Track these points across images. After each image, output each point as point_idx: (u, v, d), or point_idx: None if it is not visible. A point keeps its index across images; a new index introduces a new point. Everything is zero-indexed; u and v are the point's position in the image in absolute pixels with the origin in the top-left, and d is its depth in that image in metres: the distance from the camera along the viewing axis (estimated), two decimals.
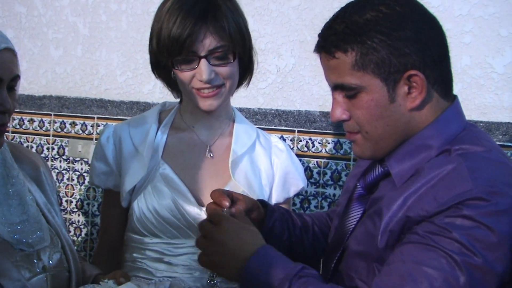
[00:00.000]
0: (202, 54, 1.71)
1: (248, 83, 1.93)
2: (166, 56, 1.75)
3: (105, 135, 1.92)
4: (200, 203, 1.82)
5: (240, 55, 1.79)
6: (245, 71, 1.88)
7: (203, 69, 1.70)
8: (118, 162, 1.89)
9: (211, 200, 1.65)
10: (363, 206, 1.54)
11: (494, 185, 1.28)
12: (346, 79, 1.40)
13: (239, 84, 1.89)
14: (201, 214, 1.79)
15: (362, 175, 1.60)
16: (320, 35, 1.46)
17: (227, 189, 1.80)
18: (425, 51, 1.38)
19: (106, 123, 2.82)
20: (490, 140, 1.47)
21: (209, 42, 1.71)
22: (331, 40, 1.41)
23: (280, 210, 1.76)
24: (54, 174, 3.05)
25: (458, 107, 1.49)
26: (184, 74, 1.74)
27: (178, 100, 1.95)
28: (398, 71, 1.37)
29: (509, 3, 2.39)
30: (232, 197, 1.60)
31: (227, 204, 1.54)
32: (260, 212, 1.69)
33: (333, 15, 1.46)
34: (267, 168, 1.93)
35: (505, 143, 2.37)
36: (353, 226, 1.54)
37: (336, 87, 1.45)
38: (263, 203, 1.74)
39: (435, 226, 1.28)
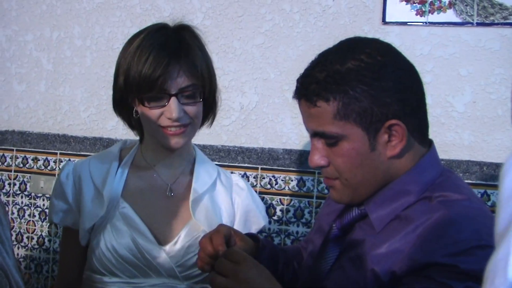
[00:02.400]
0: (173, 92, 1.70)
1: (211, 122, 1.94)
2: (135, 93, 1.73)
3: (64, 173, 1.90)
4: (159, 242, 1.80)
5: (205, 95, 1.79)
6: (209, 111, 1.88)
7: (173, 107, 1.70)
8: (77, 200, 1.86)
9: (172, 240, 1.63)
10: (338, 248, 1.53)
11: (482, 237, 1.27)
12: (328, 128, 1.39)
13: (202, 124, 1.89)
14: (161, 253, 1.78)
15: (338, 216, 1.59)
16: (299, 82, 1.46)
17: (187, 228, 1.79)
18: (405, 100, 1.38)
19: (69, 159, 2.81)
20: (467, 186, 1.47)
21: (181, 81, 1.70)
22: (312, 88, 1.40)
23: (269, 246, 1.73)
24: (15, 210, 3.01)
25: (435, 153, 1.50)
26: (152, 112, 1.73)
27: (137, 138, 1.94)
28: (379, 121, 1.37)
29: (468, 43, 2.44)
30: (230, 240, 1.57)
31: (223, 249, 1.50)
32: (253, 250, 1.65)
33: (312, 62, 1.46)
34: (228, 207, 1.92)
35: (466, 181, 2.40)
36: (329, 267, 1.52)
37: (315, 134, 1.44)
38: (252, 237, 1.71)
39: (433, 282, 1.26)
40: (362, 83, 1.35)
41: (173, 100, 1.70)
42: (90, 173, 1.87)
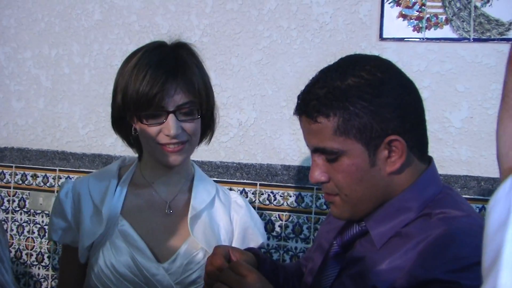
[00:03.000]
0: (171, 109, 1.71)
1: (210, 140, 1.94)
2: (133, 111, 1.74)
3: (64, 191, 1.91)
4: (158, 260, 1.81)
5: (203, 112, 1.80)
6: (207, 128, 1.89)
7: (171, 124, 1.71)
8: (76, 218, 1.87)
9: (171, 257, 1.64)
10: (339, 265, 1.53)
11: (480, 253, 1.28)
12: (328, 144, 1.40)
13: (200, 141, 1.90)
14: (159, 270, 1.78)
15: (339, 233, 1.59)
16: (300, 98, 1.47)
17: (186, 245, 1.80)
18: (405, 116, 1.38)
19: (68, 176, 2.82)
20: (467, 203, 1.48)
21: (179, 98, 1.71)
22: (313, 104, 1.41)
23: (269, 261, 1.73)
24: (14, 227, 3.02)
25: (435, 169, 1.50)
26: (150, 129, 1.74)
27: (136, 155, 1.95)
28: (379, 137, 1.37)
29: (465, 59, 2.45)
30: (230, 257, 1.55)
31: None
32: (254, 264, 1.64)
33: (312, 79, 1.47)
34: (226, 224, 1.93)
35: (464, 196, 2.40)
36: (329, 284, 1.52)
37: (316, 150, 1.45)
38: (253, 251, 1.70)
39: None
40: (362, 99, 1.36)
41: (171, 117, 1.71)
42: (89, 191, 1.88)
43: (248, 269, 1.43)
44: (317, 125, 1.41)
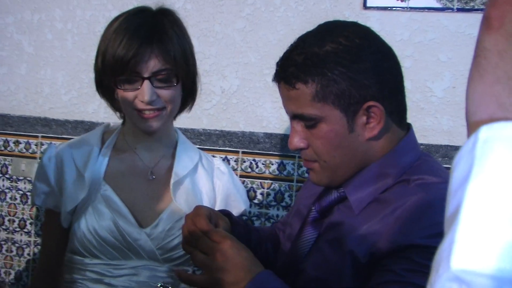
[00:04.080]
0: (146, 75, 1.71)
1: (190, 108, 1.94)
2: (110, 75, 1.75)
3: (47, 156, 1.91)
4: (140, 225, 1.82)
5: (183, 80, 1.80)
6: (187, 96, 1.89)
7: (145, 90, 1.71)
8: (59, 182, 1.88)
9: (153, 222, 1.69)
10: (317, 230, 1.54)
11: None
12: (306, 110, 1.41)
13: (181, 109, 1.90)
14: (141, 235, 1.80)
15: (317, 199, 1.60)
16: (278, 65, 1.47)
17: (168, 211, 1.81)
18: (383, 83, 1.39)
19: (50, 142, 2.81)
20: (444, 170, 1.49)
21: (153, 64, 1.71)
22: (291, 71, 1.41)
23: (241, 223, 1.74)
24: None
25: (413, 136, 1.52)
26: (126, 94, 1.74)
27: (121, 121, 1.95)
28: (357, 102, 1.38)
29: (448, 29, 2.45)
30: (210, 220, 1.54)
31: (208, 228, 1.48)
32: (228, 225, 1.65)
33: (291, 45, 1.47)
34: (208, 190, 1.94)
35: (445, 165, 2.42)
36: (307, 250, 1.54)
37: (295, 117, 1.46)
38: (225, 213, 1.71)
39: (412, 262, 1.28)
40: (340, 65, 1.37)
41: (145, 83, 1.71)
42: (72, 156, 1.88)
43: (223, 235, 1.44)
44: (295, 91, 1.41)
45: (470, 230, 0.52)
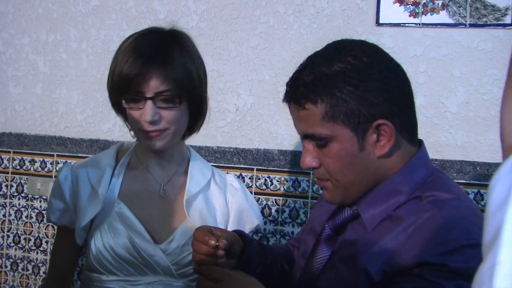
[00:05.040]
0: (148, 95, 1.73)
1: (199, 127, 1.94)
2: (116, 93, 1.78)
3: (63, 173, 1.93)
4: (155, 241, 1.83)
5: (188, 100, 1.81)
6: (195, 116, 1.90)
7: (148, 110, 1.72)
8: (74, 199, 1.89)
9: (167, 239, 1.69)
10: (331, 248, 1.55)
11: (471, 236, 1.28)
12: (317, 130, 1.41)
13: (191, 128, 1.91)
14: (157, 251, 1.81)
15: (331, 216, 1.61)
16: (288, 85, 1.48)
17: (182, 227, 1.82)
18: (392, 100, 1.39)
19: (66, 161, 2.83)
20: (457, 186, 1.50)
21: (155, 84, 1.72)
22: (301, 91, 1.42)
23: (255, 242, 1.74)
24: (12, 212, 3.04)
25: (425, 152, 1.52)
26: (132, 113, 1.77)
27: (135, 139, 1.97)
28: (367, 121, 1.38)
29: (461, 45, 2.46)
30: (212, 233, 1.56)
31: (213, 242, 1.49)
32: (240, 244, 1.66)
33: (300, 66, 1.48)
34: (222, 206, 1.95)
35: (459, 181, 2.42)
36: (321, 267, 1.54)
37: (306, 136, 1.46)
38: (239, 233, 1.71)
39: (424, 281, 1.28)
40: (348, 85, 1.37)
41: (148, 103, 1.73)
42: (87, 174, 1.90)
43: (224, 274, 1.44)
44: (305, 111, 1.42)
45: None
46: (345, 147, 1.41)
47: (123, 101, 1.77)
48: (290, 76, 1.50)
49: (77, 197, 1.89)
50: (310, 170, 1.51)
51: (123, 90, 1.75)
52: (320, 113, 1.40)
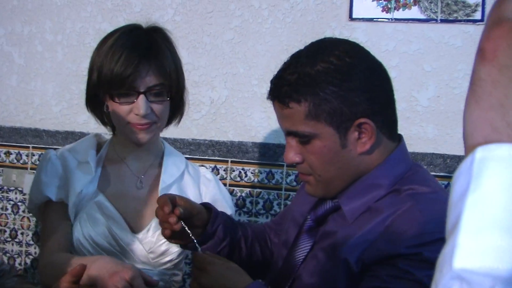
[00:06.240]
0: (142, 90, 1.78)
1: (179, 121, 1.99)
2: (106, 89, 1.81)
3: (52, 153, 1.96)
4: (133, 230, 1.89)
5: (172, 94, 1.86)
6: (176, 110, 1.94)
7: (141, 104, 1.77)
8: (66, 175, 1.92)
9: (144, 228, 1.80)
10: (312, 239, 1.59)
11: (444, 229, 1.33)
12: (300, 128, 1.45)
13: (169, 122, 1.95)
14: (134, 240, 1.86)
15: (313, 208, 1.65)
16: (272, 83, 1.51)
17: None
18: (373, 99, 1.44)
19: (41, 153, 2.83)
20: (434, 180, 1.56)
21: (150, 80, 1.78)
22: (285, 90, 1.45)
23: (224, 216, 1.78)
24: None
25: (404, 147, 1.57)
26: (121, 107, 1.81)
27: (110, 134, 2.00)
28: (349, 120, 1.42)
29: (432, 40, 2.50)
30: (175, 201, 1.61)
31: (167, 209, 1.55)
32: (203, 217, 1.70)
33: (284, 64, 1.52)
34: (195, 197, 1.98)
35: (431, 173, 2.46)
36: (303, 257, 1.58)
37: (289, 133, 1.50)
38: (207, 207, 1.76)
39: (397, 269, 1.33)
40: (331, 85, 1.41)
41: (141, 97, 1.78)
42: (71, 154, 1.95)
43: (206, 263, 1.51)
44: (289, 110, 1.46)
45: (469, 236, 0.59)
46: (328, 144, 1.45)
47: (112, 96, 1.81)
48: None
49: (68, 172, 1.92)
50: (293, 165, 1.54)
51: (115, 87, 1.78)
52: (303, 112, 1.44)
